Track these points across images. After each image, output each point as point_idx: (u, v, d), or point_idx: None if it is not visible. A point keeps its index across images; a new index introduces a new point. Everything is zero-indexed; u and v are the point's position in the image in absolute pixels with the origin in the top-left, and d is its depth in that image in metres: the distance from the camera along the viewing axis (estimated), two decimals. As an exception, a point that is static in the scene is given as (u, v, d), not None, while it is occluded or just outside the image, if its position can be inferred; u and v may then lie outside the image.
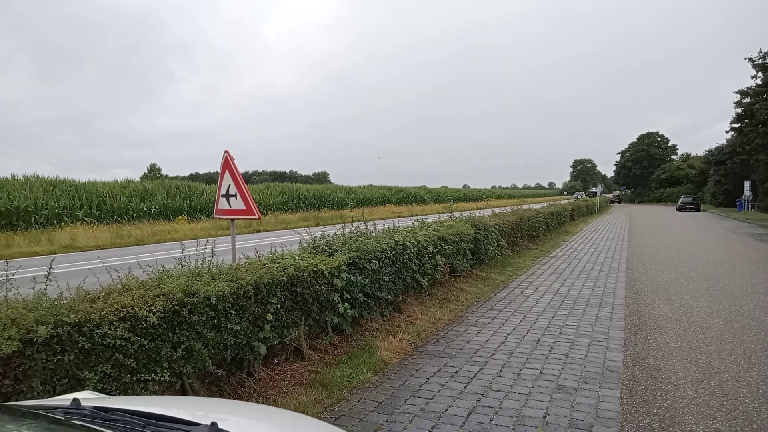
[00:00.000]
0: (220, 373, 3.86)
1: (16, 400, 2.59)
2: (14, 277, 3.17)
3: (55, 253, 13.45)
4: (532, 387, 4.33)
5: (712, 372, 4.72)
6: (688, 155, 76.56)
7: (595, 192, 57.68)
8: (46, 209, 20.71)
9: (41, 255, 13.53)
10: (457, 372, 4.69)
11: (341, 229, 6.45)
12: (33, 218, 20.03)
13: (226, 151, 5.54)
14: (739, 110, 42.87)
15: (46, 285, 3.21)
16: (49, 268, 3.36)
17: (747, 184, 38.63)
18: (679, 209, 45.17)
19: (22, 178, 23.26)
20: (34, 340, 2.69)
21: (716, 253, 13.84)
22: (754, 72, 39.69)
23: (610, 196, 74.19)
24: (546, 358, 5.10)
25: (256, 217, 5.49)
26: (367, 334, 5.59)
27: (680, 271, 10.62)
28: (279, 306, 4.36)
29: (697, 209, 44.49)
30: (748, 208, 38.09)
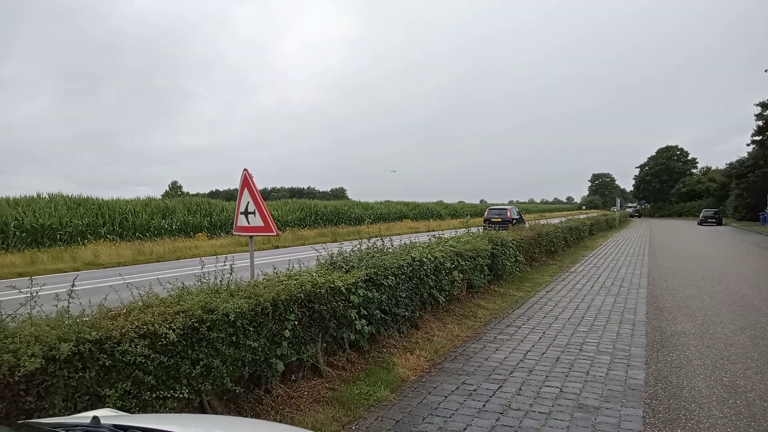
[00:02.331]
0: (238, 390, 3.87)
1: (38, 417, 2.63)
2: (38, 294, 3.23)
3: (78, 270, 13.68)
4: (552, 406, 4.26)
5: (738, 391, 4.59)
6: (708, 168, 75.48)
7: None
8: (70, 227, 21.11)
9: (65, 272, 13.77)
10: (475, 390, 4.64)
11: (358, 245, 6.47)
12: (57, 236, 20.43)
13: (245, 169, 5.63)
14: (761, 123, 42.26)
15: (69, 302, 3.26)
16: (72, 286, 3.42)
17: (771, 197, 37.83)
18: (701, 223, 44.43)
19: (47, 197, 23.79)
20: (57, 357, 2.74)
21: (740, 268, 13.53)
22: (775, 84, 39.14)
23: (629, 210, 73.30)
24: (566, 376, 5.02)
25: (275, 233, 5.54)
26: (385, 350, 5.56)
27: (703, 287, 10.40)
28: (296, 323, 4.37)
29: (719, 223, 43.67)
30: (772, 221, 37.23)
